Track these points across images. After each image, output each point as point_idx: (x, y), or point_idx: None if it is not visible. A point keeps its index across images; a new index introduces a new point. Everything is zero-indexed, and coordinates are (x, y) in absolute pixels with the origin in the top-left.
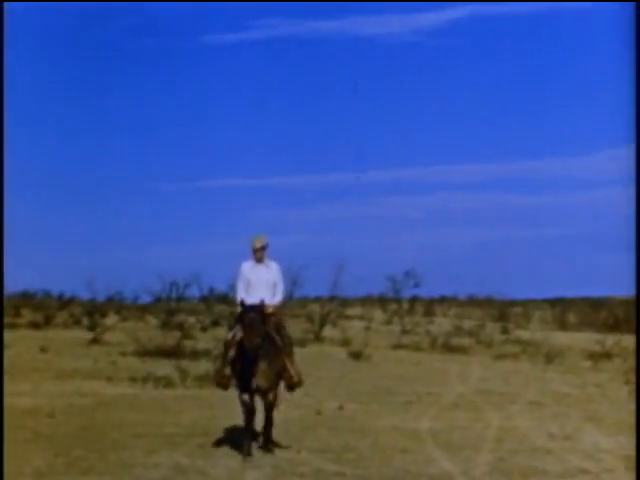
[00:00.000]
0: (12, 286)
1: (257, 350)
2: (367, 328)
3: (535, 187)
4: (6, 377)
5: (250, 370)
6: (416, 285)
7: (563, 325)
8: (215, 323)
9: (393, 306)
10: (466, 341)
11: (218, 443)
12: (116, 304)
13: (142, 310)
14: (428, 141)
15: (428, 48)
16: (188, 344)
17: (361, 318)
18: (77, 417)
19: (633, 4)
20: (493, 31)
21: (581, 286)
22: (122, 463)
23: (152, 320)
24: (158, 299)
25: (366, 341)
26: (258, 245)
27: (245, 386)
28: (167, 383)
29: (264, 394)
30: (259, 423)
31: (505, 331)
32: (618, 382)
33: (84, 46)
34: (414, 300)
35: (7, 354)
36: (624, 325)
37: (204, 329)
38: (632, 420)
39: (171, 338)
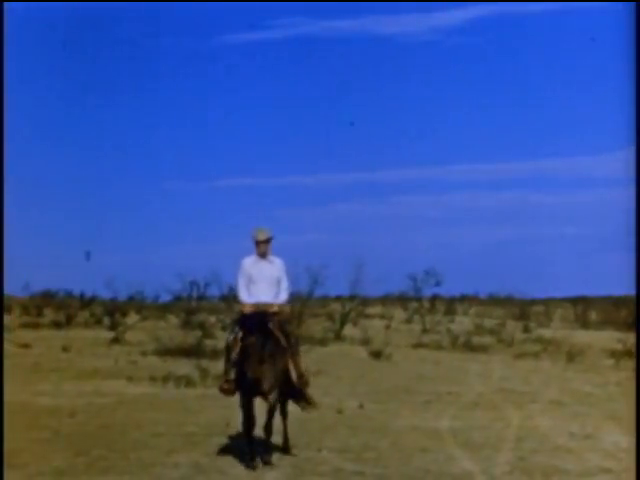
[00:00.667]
0: (35, 285)
1: (259, 379)
2: (387, 327)
3: (556, 186)
4: (28, 376)
5: (254, 373)
6: (437, 284)
7: (584, 324)
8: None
9: (414, 305)
10: (487, 340)
11: (238, 442)
12: (137, 303)
13: (163, 309)
14: (447, 140)
15: (446, 47)
16: (209, 343)
17: (381, 317)
18: (97, 416)
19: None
20: (512, 30)
21: (602, 285)
22: (142, 462)
23: (172, 319)
24: (178, 298)
25: (386, 340)
26: (261, 238)
27: (247, 390)
28: (187, 382)
29: (265, 396)
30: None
31: (526, 330)
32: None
33: (97, 45)
34: (435, 299)
35: (29, 353)
36: None
37: (224, 328)
38: None
39: (191, 337)
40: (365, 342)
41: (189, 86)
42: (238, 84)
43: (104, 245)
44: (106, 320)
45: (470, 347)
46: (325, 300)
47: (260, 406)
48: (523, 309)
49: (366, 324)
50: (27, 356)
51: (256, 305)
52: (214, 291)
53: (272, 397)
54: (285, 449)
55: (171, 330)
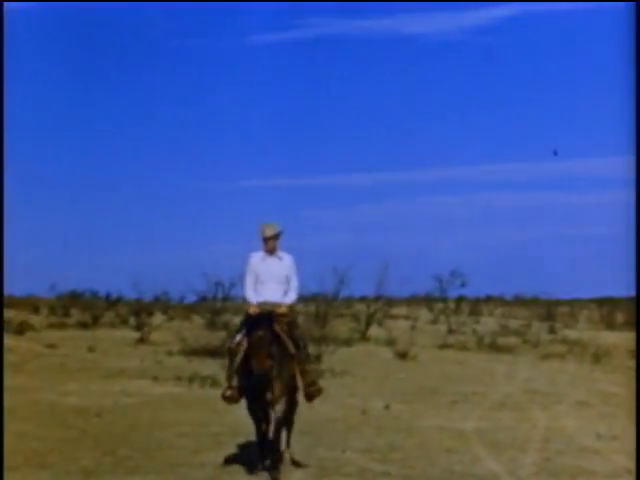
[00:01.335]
0: (61, 286)
1: (268, 374)
2: (413, 328)
3: (581, 186)
4: (55, 376)
5: (261, 368)
6: (462, 284)
7: (610, 324)
8: None
9: (439, 306)
10: (512, 341)
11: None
12: (162, 304)
13: (188, 310)
14: (473, 140)
15: (473, 46)
16: None
17: (407, 318)
18: (124, 416)
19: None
20: (540, 29)
21: (628, 286)
22: (168, 462)
23: (198, 320)
24: (204, 299)
25: (412, 341)
26: (269, 233)
27: (253, 397)
28: (213, 382)
29: (272, 404)
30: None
31: (552, 331)
32: None
33: (121, 45)
34: (460, 299)
35: (56, 354)
36: None
37: None
38: None
39: (217, 338)
40: (390, 343)
41: (216, 87)
42: (265, 84)
43: (130, 245)
44: (132, 320)
45: (496, 348)
46: (350, 301)
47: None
48: (549, 310)
49: (391, 325)
50: (54, 356)
51: (263, 305)
52: (239, 291)
53: (279, 407)
54: (295, 462)
55: (196, 330)
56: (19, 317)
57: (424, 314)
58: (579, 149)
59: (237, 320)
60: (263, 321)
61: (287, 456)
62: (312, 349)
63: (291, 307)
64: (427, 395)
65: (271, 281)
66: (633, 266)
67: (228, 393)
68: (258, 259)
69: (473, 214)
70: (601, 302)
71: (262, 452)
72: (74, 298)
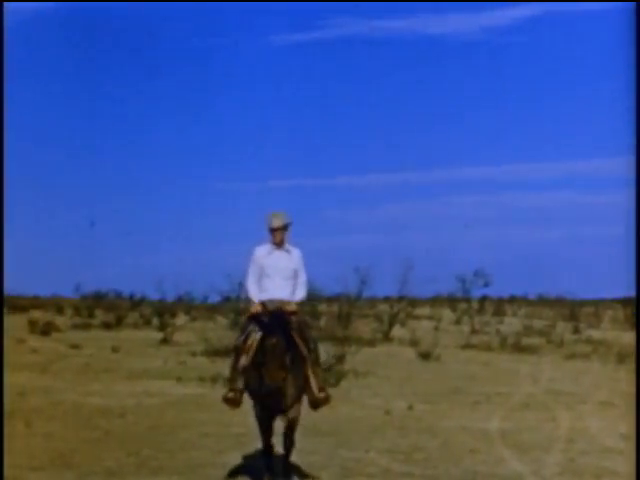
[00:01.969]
0: (86, 287)
1: (281, 386)
2: (436, 328)
3: (605, 185)
4: (79, 377)
5: (274, 381)
6: (485, 285)
7: (634, 324)
8: None
9: (462, 306)
10: (536, 341)
11: None
12: (185, 304)
13: (211, 310)
14: (497, 140)
15: (498, 46)
16: None
17: (430, 318)
18: (147, 417)
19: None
20: (565, 29)
21: None
22: (191, 463)
23: (221, 320)
24: (227, 299)
25: (435, 341)
26: (277, 223)
27: (262, 402)
28: None
29: (284, 412)
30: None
31: (576, 331)
32: None
33: (139, 44)
34: (484, 300)
35: (80, 354)
36: None
37: None
38: None
39: None
40: (414, 343)
41: (238, 86)
42: (286, 84)
43: (153, 246)
44: (155, 321)
45: (519, 348)
46: (373, 301)
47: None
48: (573, 310)
49: (414, 325)
50: (78, 357)
51: (269, 303)
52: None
53: (293, 413)
54: (286, 475)
55: (220, 331)
56: (45, 318)
57: (447, 314)
58: (604, 149)
59: None
60: (277, 325)
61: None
62: (335, 349)
63: (299, 306)
64: (450, 395)
65: (278, 276)
66: None
67: (230, 395)
68: (264, 252)
69: (497, 214)
70: (625, 302)
71: (268, 464)
72: (98, 299)
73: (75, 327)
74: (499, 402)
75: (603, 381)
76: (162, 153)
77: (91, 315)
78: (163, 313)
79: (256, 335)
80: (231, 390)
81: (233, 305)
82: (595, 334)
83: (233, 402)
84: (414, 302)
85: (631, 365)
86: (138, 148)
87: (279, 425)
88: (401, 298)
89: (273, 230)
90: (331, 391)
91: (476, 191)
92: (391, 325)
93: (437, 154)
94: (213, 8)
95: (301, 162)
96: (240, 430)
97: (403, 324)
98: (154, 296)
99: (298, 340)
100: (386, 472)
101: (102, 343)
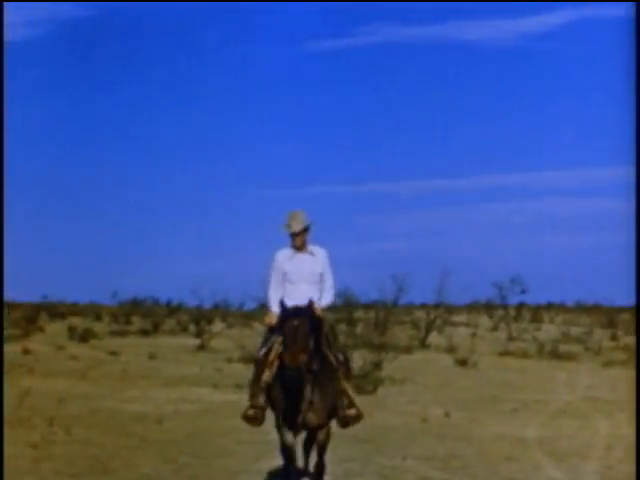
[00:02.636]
0: (123, 294)
1: (303, 372)
2: (473, 335)
3: None
4: (116, 383)
5: (294, 399)
6: (523, 291)
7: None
8: None
9: (499, 312)
10: (574, 348)
11: None
12: (222, 311)
13: (247, 317)
14: (535, 147)
15: (535, 52)
16: None
17: (467, 325)
18: (184, 423)
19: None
20: (602, 35)
21: None
22: (227, 470)
23: (257, 327)
24: (263, 306)
25: (472, 348)
26: (295, 227)
27: (288, 421)
28: None
29: (314, 432)
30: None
31: (614, 338)
32: None
33: (177, 49)
34: (521, 306)
35: (118, 361)
36: None
37: None
38: None
39: None
40: (450, 350)
41: (270, 93)
42: (320, 91)
43: (190, 253)
44: (192, 328)
45: (557, 355)
46: (410, 308)
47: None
48: (610, 317)
49: (451, 332)
50: (115, 363)
51: (299, 309)
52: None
53: (322, 434)
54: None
55: (256, 337)
56: (83, 324)
57: (484, 321)
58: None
59: None
60: (301, 311)
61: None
62: (372, 356)
63: (324, 312)
64: (487, 403)
65: (302, 281)
66: None
67: (250, 413)
68: (285, 257)
69: (534, 221)
70: None
71: (289, 478)
72: (136, 305)
73: (113, 334)
74: (536, 409)
75: None
76: (200, 161)
77: (128, 322)
78: (200, 320)
79: (279, 348)
80: (252, 407)
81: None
82: (633, 341)
83: (254, 420)
84: (451, 309)
85: None
86: (177, 156)
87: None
88: (438, 305)
89: (293, 235)
90: (368, 398)
91: (513, 197)
92: (428, 332)
93: (473, 161)
94: (245, 16)
95: (336, 169)
96: (276, 437)
97: (440, 331)
98: (191, 303)
99: (326, 349)
100: (423, 479)
101: (139, 350)
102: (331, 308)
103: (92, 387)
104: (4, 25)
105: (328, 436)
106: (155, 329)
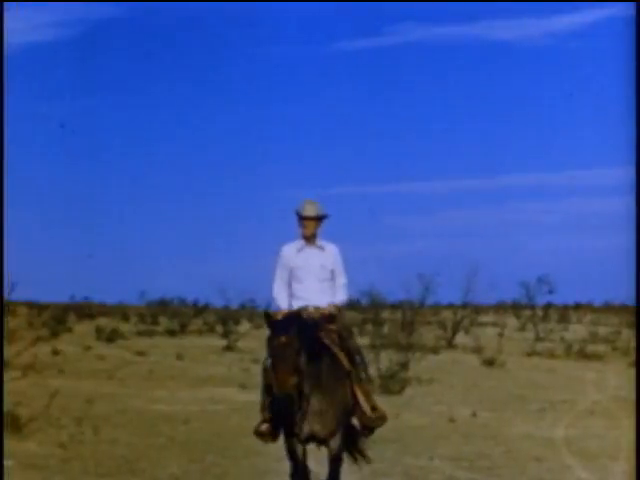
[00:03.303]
0: (150, 294)
1: (294, 397)
2: (500, 335)
3: None
4: (144, 384)
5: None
6: (550, 291)
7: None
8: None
9: (527, 313)
10: (602, 348)
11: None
12: (249, 311)
13: None
14: (565, 145)
15: (566, 51)
16: None
17: (494, 325)
18: (211, 423)
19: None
20: (622, 34)
21: None
22: (255, 469)
23: None
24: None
25: (499, 348)
26: (310, 211)
27: (292, 432)
28: None
29: (324, 442)
30: None
31: None
32: None
33: (197, 47)
34: (548, 306)
35: (145, 361)
36: None
37: None
38: None
39: None
40: (477, 350)
41: (298, 92)
42: (348, 91)
43: (217, 253)
44: (219, 328)
45: (584, 355)
46: (437, 308)
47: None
48: (639, 317)
49: (478, 332)
50: (143, 363)
51: (307, 312)
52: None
53: (334, 443)
54: None
55: None
56: (110, 325)
57: (511, 321)
58: None
59: None
60: (290, 322)
61: None
62: (398, 357)
63: (338, 310)
64: (515, 403)
65: (311, 278)
66: None
67: (263, 428)
68: (292, 250)
69: (562, 220)
70: None
71: None
72: (162, 306)
73: (140, 334)
74: (564, 409)
75: None
76: (224, 159)
77: (155, 322)
78: (227, 320)
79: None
80: (264, 421)
81: None
82: None
83: (265, 436)
84: (478, 309)
85: None
86: (200, 154)
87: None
88: (465, 305)
89: (305, 219)
90: (395, 399)
91: (540, 197)
92: (455, 332)
93: (499, 160)
94: (274, 15)
95: (363, 168)
96: None
97: (467, 331)
98: (218, 303)
99: (337, 350)
100: (450, 479)
101: (166, 350)
102: (357, 308)
103: (120, 387)
104: (30, 27)
105: (341, 444)
106: (182, 329)
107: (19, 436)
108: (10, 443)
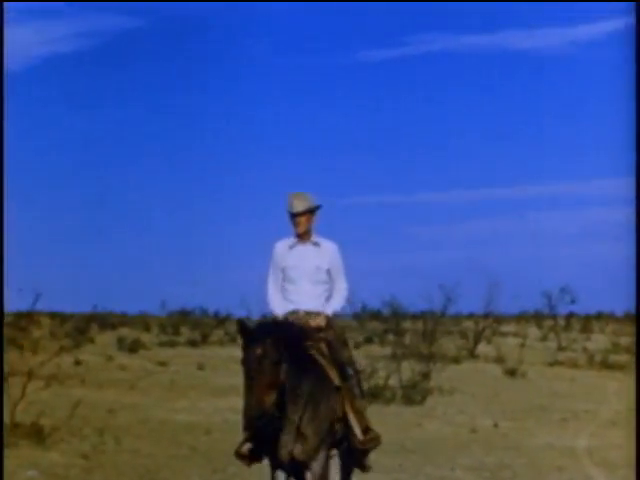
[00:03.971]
0: (171, 304)
1: (274, 415)
2: (522, 345)
3: None
4: (165, 394)
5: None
6: (572, 301)
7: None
8: (368, 340)
9: (548, 322)
10: (624, 358)
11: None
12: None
13: None
14: (583, 154)
15: (585, 61)
16: None
17: (516, 335)
18: (233, 434)
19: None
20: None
21: None
22: None
23: None
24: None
25: (521, 358)
26: (299, 207)
27: (274, 458)
28: None
29: (305, 466)
30: None
31: None
32: None
33: (213, 57)
34: (570, 316)
35: (167, 371)
36: None
37: (357, 346)
38: None
39: None
40: (499, 360)
41: (324, 102)
42: (372, 100)
43: (238, 263)
44: (240, 338)
45: (607, 365)
46: (458, 318)
47: None
48: (639, 324)
49: (500, 342)
50: (164, 374)
51: (295, 317)
52: (346, 309)
53: (317, 465)
54: None
55: None
56: (132, 335)
57: (533, 331)
58: None
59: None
60: (267, 330)
61: None
62: (420, 366)
63: (332, 318)
64: (537, 413)
65: (304, 279)
66: None
67: (244, 449)
68: (284, 248)
69: (583, 229)
70: None
71: None
72: (184, 316)
73: (161, 344)
74: (586, 419)
75: None
76: (247, 169)
77: (177, 332)
78: None
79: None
80: (245, 442)
81: None
82: None
83: (244, 459)
84: (499, 319)
85: None
86: (220, 163)
87: None
88: (486, 315)
89: (295, 215)
90: (416, 408)
91: (562, 207)
92: (476, 342)
93: (521, 170)
94: (293, 23)
95: (384, 178)
96: None
97: (489, 341)
98: (239, 313)
99: (325, 363)
100: None
101: (188, 360)
102: (379, 318)
103: (141, 397)
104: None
105: (324, 468)
106: (204, 340)
107: (42, 446)
108: (33, 453)
